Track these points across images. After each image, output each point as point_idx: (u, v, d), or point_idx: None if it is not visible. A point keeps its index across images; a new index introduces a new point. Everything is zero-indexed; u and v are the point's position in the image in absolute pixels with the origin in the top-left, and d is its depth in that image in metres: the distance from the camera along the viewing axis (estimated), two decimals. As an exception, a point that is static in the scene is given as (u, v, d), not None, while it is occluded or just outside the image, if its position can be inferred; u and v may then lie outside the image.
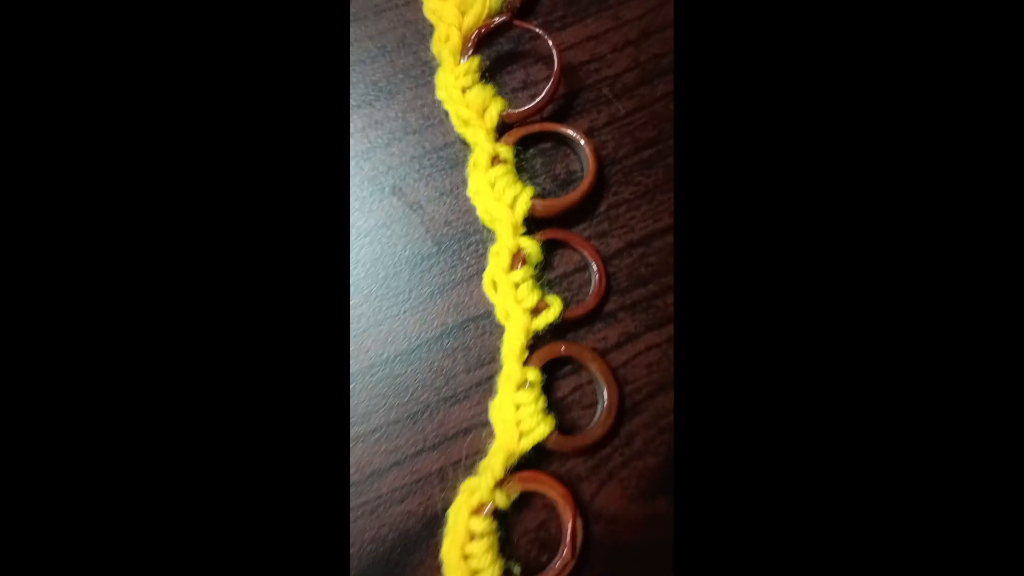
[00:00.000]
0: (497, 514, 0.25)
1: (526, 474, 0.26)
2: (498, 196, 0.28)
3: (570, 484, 0.26)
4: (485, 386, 0.28)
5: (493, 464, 0.25)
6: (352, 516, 0.26)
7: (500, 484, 0.25)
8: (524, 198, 0.27)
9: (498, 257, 0.27)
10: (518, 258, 0.27)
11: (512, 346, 0.26)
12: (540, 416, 0.26)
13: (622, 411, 0.27)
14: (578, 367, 0.28)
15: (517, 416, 0.26)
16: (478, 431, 0.27)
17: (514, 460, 0.26)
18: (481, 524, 0.25)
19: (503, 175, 0.28)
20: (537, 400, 0.26)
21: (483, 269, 0.28)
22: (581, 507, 0.26)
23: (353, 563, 0.26)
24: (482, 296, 0.28)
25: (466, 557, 0.25)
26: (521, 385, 0.26)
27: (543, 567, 0.26)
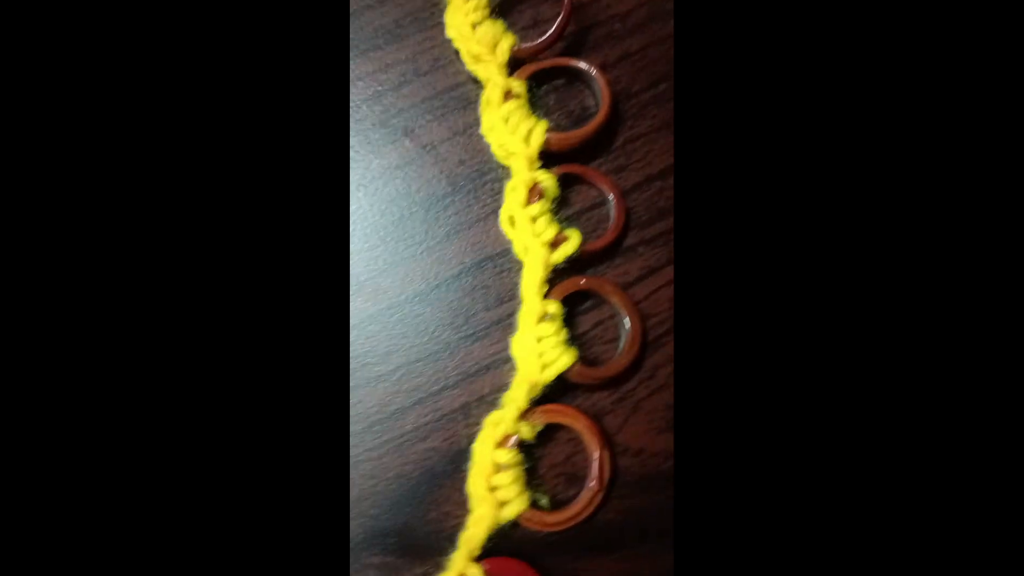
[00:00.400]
0: (523, 448, 0.25)
1: (550, 406, 0.26)
2: (512, 130, 0.27)
3: (595, 418, 0.26)
4: (505, 323, 0.27)
5: (516, 396, 0.25)
6: (376, 454, 0.26)
7: (524, 416, 0.25)
8: (539, 131, 0.27)
9: (515, 192, 0.27)
10: (535, 192, 0.27)
11: (532, 280, 0.26)
12: (562, 347, 0.25)
13: (645, 343, 0.27)
14: (599, 302, 0.28)
15: (539, 348, 0.25)
16: (500, 368, 0.27)
17: (537, 392, 0.25)
18: (506, 456, 0.25)
19: (517, 109, 0.27)
20: (558, 332, 0.26)
21: (499, 208, 0.28)
22: (607, 441, 0.26)
23: (380, 499, 0.26)
24: (499, 235, 0.28)
25: (493, 489, 0.24)
26: (542, 318, 0.26)
27: (571, 501, 0.25)
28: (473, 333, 0.27)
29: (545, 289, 0.26)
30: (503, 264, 0.28)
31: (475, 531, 0.24)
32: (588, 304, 0.28)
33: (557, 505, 0.25)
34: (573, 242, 0.26)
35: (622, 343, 0.27)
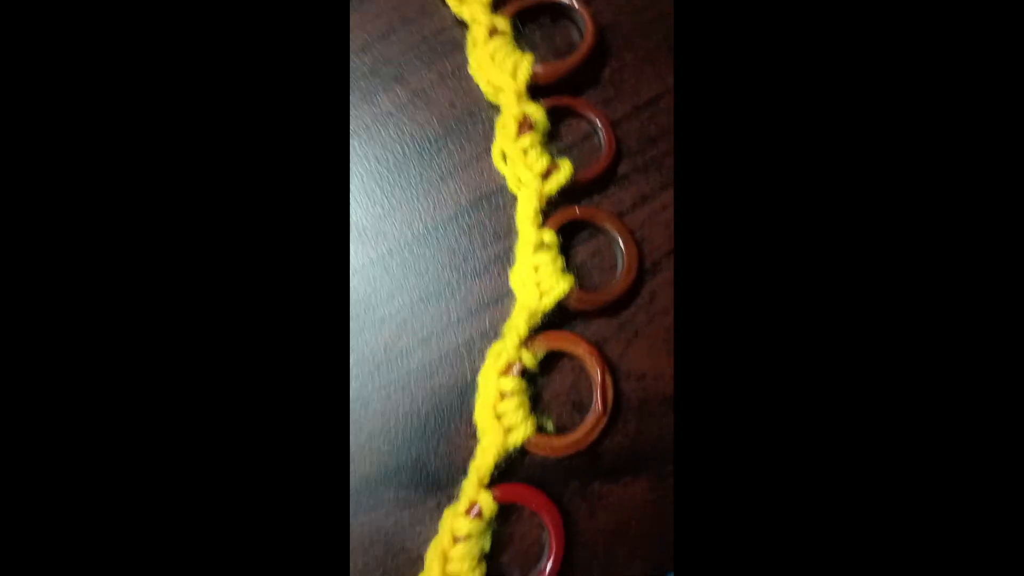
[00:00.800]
0: (526, 375, 0.26)
1: (551, 333, 0.26)
2: (499, 66, 0.27)
3: (597, 345, 0.26)
4: (504, 259, 0.28)
5: (517, 324, 0.25)
6: (385, 393, 0.27)
7: (526, 344, 0.25)
8: (525, 64, 0.27)
9: (505, 127, 0.27)
10: (525, 124, 0.27)
11: (526, 211, 0.26)
12: (559, 274, 0.26)
13: (642, 268, 0.27)
14: (595, 233, 0.28)
15: (536, 277, 0.26)
16: (501, 303, 0.27)
17: (537, 319, 0.26)
18: (510, 383, 0.25)
19: (502, 46, 0.28)
20: (555, 260, 0.26)
21: (491, 146, 0.28)
22: (610, 367, 0.26)
23: (391, 437, 0.26)
24: (493, 173, 0.28)
25: (499, 416, 0.25)
26: (538, 248, 0.26)
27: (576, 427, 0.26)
28: (473, 270, 0.28)
29: (540, 220, 0.27)
30: (499, 201, 0.28)
31: (484, 459, 0.25)
32: (585, 235, 0.28)
33: (563, 432, 0.26)
34: (565, 171, 0.27)
35: (620, 269, 0.27)
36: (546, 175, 0.27)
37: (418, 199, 0.28)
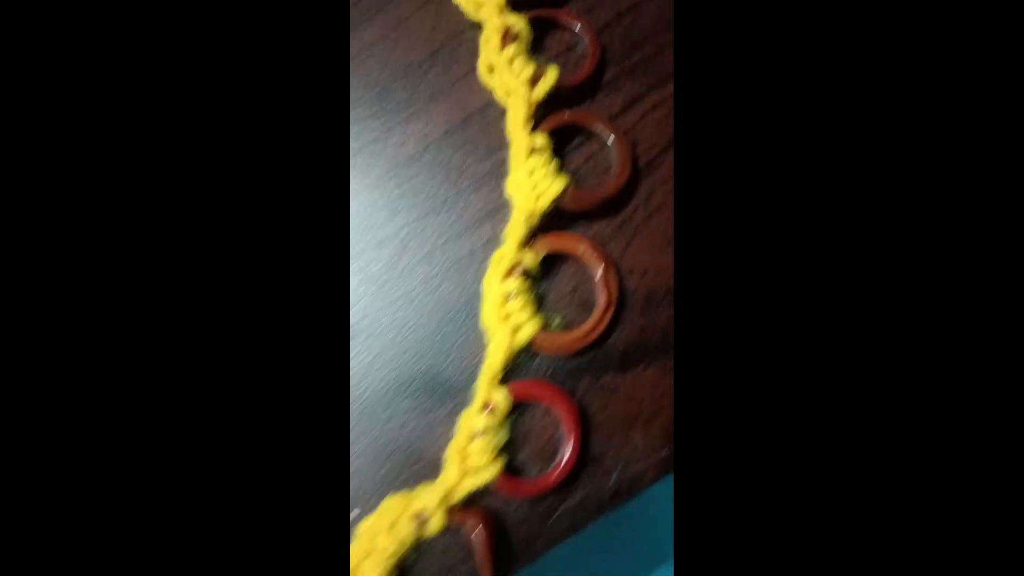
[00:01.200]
0: (529, 277, 0.26)
1: (552, 235, 0.26)
2: (478, -20, 0.28)
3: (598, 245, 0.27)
4: (499, 171, 0.28)
5: (515, 226, 0.26)
6: (391, 310, 0.27)
7: (526, 246, 0.26)
8: (503, -26, 0.28)
9: (489, 41, 0.28)
10: (508, 36, 0.28)
11: (517, 117, 0.27)
12: (553, 176, 0.26)
13: (637, 167, 0.27)
14: (587, 139, 0.28)
15: (532, 181, 0.26)
16: (500, 213, 0.28)
17: (535, 221, 0.26)
18: (514, 284, 0.25)
19: (479, -40, 0.28)
20: (548, 162, 0.26)
21: (476, 65, 0.29)
22: (610, 258, 0.26)
23: (401, 350, 0.27)
24: (481, 90, 0.29)
25: (505, 317, 0.25)
26: (531, 152, 0.26)
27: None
28: (470, 185, 0.28)
29: (531, 124, 0.27)
30: (489, 116, 0.29)
31: (495, 358, 0.25)
32: (577, 142, 0.28)
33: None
34: (551, 76, 0.27)
35: (614, 170, 0.27)
36: (533, 81, 0.27)
37: (409, 121, 0.29)
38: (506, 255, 0.26)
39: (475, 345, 0.26)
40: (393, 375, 0.27)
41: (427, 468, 0.26)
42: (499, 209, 0.28)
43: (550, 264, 0.27)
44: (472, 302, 0.27)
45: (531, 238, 0.26)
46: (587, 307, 0.27)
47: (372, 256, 0.28)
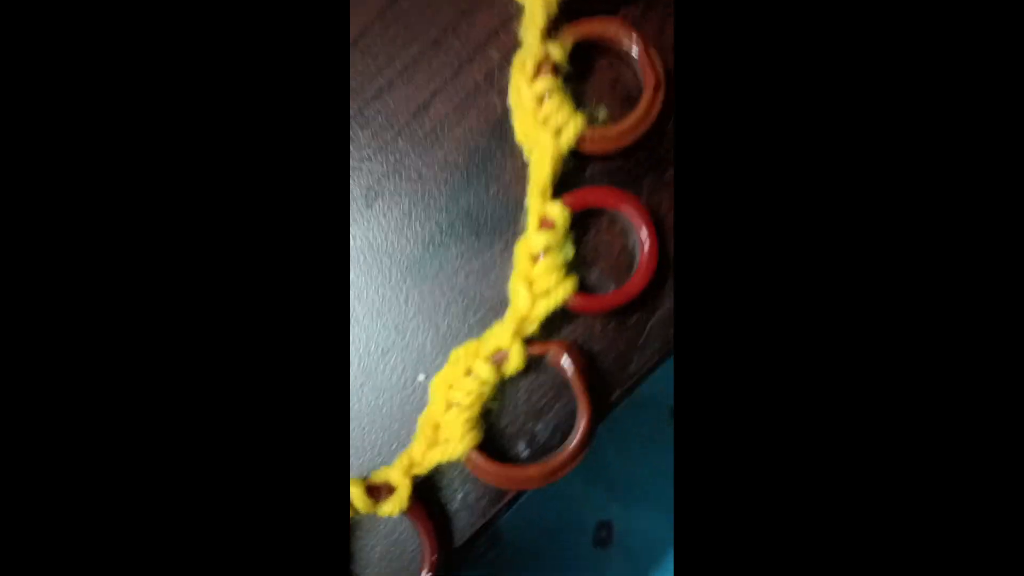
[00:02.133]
0: (559, 74, 0.22)
1: (579, 23, 0.22)
2: None
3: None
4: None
5: (533, 16, 0.22)
6: (412, 155, 0.24)
7: (550, 38, 0.22)
8: None
9: None
10: None
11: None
12: None
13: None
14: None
15: None
16: (509, 26, 0.24)
17: (554, 5, 0.22)
18: (544, 83, 0.22)
19: None
20: None
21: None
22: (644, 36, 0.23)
23: (436, 191, 0.23)
24: None
25: (544, 122, 0.22)
26: None
27: (632, 120, 0.23)
28: (468, 5, 0.25)
29: None
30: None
31: (541, 169, 0.22)
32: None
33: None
34: None
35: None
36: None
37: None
38: (530, 53, 0.22)
39: (514, 172, 0.23)
40: (430, 224, 0.23)
41: (490, 311, 0.23)
42: (507, 23, 0.24)
43: (582, 58, 0.23)
44: (500, 127, 0.23)
45: (553, 29, 0.23)
46: (632, 100, 0.23)
47: (377, 108, 0.24)
